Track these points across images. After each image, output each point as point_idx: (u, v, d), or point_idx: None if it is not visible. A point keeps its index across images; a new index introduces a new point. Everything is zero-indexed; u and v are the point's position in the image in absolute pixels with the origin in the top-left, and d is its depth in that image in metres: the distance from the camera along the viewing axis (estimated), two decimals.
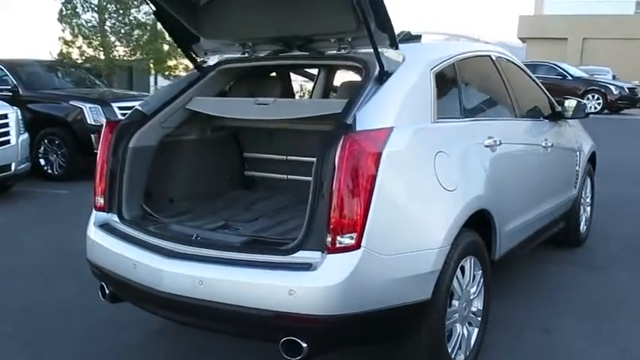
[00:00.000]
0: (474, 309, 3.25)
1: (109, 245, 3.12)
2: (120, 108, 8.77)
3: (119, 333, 3.69)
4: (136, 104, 9.91)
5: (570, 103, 4.87)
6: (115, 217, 3.26)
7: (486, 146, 3.40)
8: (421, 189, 2.81)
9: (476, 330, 3.27)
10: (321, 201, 2.59)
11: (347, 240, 2.52)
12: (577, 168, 5.15)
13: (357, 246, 2.52)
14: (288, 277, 2.55)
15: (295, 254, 2.61)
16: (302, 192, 3.88)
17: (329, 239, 2.54)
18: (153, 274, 2.82)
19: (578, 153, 5.18)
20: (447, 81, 3.34)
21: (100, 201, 3.33)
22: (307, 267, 2.56)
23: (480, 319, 3.30)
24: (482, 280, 3.28)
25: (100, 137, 3.45)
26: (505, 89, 4.07)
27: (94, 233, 3.25)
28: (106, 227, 3.25)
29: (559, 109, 4.86)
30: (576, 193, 5.16)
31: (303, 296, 2.50)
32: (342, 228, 2.52)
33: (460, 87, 3.45)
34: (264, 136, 4.04)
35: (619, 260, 5.23)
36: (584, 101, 4.91)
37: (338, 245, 2.52)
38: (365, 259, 2.52)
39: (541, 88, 4.81)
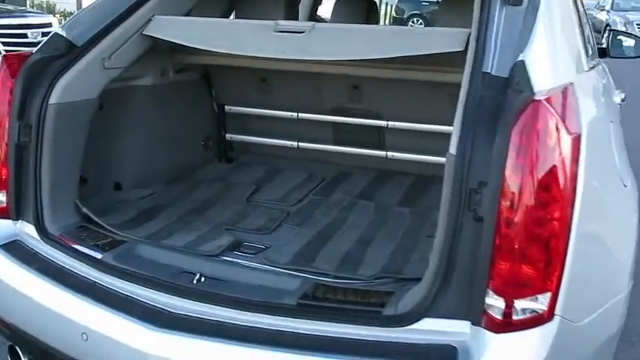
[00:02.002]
0: None
1: (24, 289, 1.71)
2: None
3: None
4: (14, 22, 7.79)
5: (617, 37, 3.83)
6: (31, 230, 1.84)
7: (619, 104, 2.28)
8: (609, 192, 1.63)
9: None
10: (470, 227, 1.35)
11: (532, 304, 1.32)
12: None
13: (549, 315, 1.33)
14: None
15: (417, 324, 1.39)
16: (323, 169, 2.61)
17: (496, 303, 1.32)
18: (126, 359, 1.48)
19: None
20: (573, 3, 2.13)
21: (0, 199, 1.87)
22: (450, 354, 1.34)
23: None
24: None
25: None
26: (585, 16, 2.92)
27: None
28: (14, 250, 1.82)
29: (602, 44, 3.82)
30: None
31: None
32: (525, 283, 1.31)
33: (579, 12, 2.25)
34: (255, 81, 2.66)
35: None
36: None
37: (517, 316, 1.32)
38: (561, 337, 1.34)
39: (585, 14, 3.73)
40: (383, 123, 2.47)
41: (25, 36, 7.41)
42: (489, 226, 1.31)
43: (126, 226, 1.93)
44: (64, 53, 1.93)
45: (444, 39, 1.80)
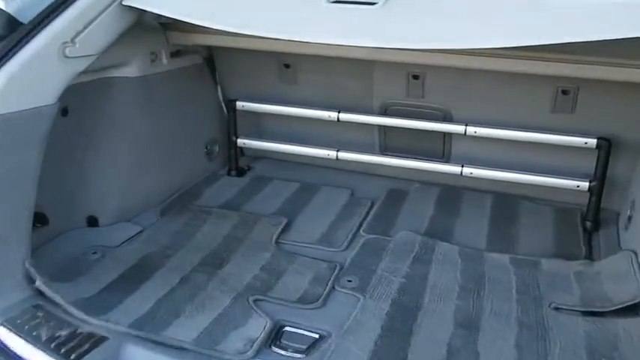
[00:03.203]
0: None
1: None
2: None
3: None
4: None
5: None
6: None
7: None
8: None
9: None
10: None
11: None
12: None
13: None
14: None
15: None
16: (368, 185, 1.94)
17: None
18: None
19: None
20: None
21: None
22: None
23: None
24: None
25: None
26: None
27: None
28: None
29: None
30: None
31: None
32: None
33: None
34: (275, 67, 1.99)
35: None
36: None
37: None
38: None
39: None
40: (457, 128, 1.80)
41: None
42: None
43: (104, 302, 1.28)
44: (1, 35, 1.25)
45: (615, 14, 1.14)
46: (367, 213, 1.80)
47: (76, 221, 1.63)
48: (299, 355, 1.17)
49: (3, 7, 1.28)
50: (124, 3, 1.45)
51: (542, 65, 1.53)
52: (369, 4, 1.27)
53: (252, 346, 1.16)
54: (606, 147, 1.66)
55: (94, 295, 1.31)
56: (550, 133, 1.72)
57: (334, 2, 1.30)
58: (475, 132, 1.77)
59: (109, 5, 1.44)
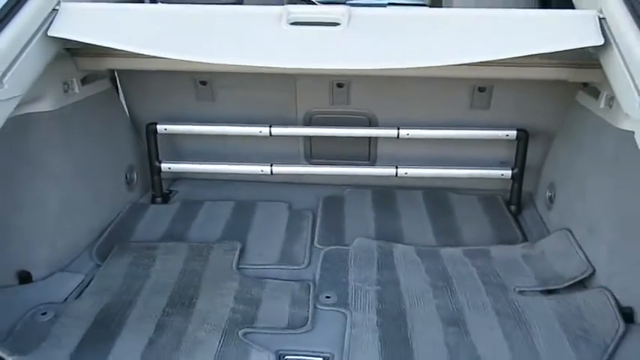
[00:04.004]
0: None
1: None
2: None
3: None
4: None
5: None
6: None
7: None
8: None
9: None
10: None
11: None
12: None
13: None
14: None
15: None
16: (301, 196, 1.93)
17: None
18: None
19: None
20: None
21: None
22: None
23: None
24: None
25: None
26: None
27: None
28: None
29: None
30: None
31: None
32: None
33: None
34: (190, 85, 1.91)
35: None
36: None
37: None
38: None
39: None
40: (390, 132, 1.86)
41: None
42: None
43: None
44: None
45: (565, 27, 1.24)
46: (313, 224, 1.80)
47: (4, 279, 1.44)
48: None
49: None
50: (49, 34, 1.30)
51: (460, 69, 1.63)
52: (332, 25, 1.27)
53: None
54: (524, 137, 1.83)
55: None
56: (475, 129, 1.85)
57: (294, 24, 1.27)
58: (408, 134, 1.85)
59: (32, 38, 1.28)
